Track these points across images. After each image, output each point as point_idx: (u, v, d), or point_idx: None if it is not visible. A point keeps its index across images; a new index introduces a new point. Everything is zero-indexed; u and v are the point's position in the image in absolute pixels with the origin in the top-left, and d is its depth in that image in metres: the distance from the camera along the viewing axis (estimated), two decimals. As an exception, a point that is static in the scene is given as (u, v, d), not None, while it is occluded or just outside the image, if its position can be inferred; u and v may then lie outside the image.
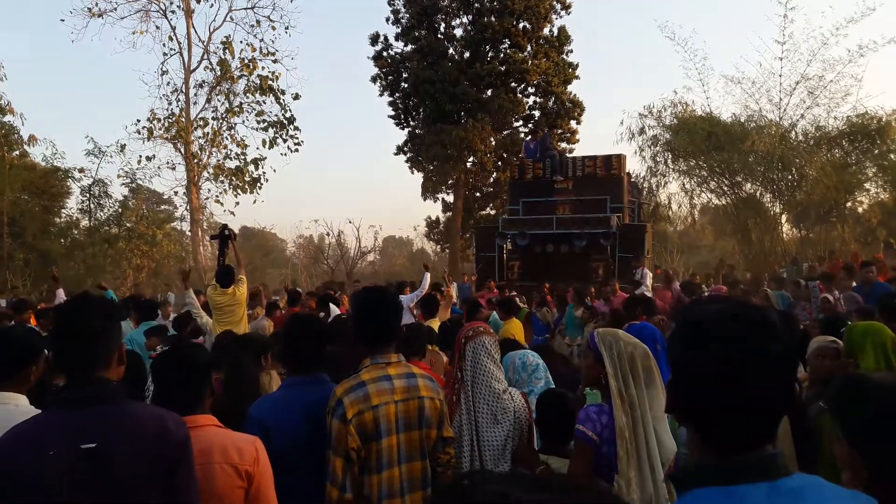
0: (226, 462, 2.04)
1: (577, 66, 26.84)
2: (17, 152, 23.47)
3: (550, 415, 2.86)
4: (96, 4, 24.89)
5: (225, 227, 7.63)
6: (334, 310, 8.80)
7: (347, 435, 2.36)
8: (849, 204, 20.51)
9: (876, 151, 18.96)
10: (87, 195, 25.41)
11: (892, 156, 19.04)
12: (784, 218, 21.04)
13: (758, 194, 20.64)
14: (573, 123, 27.18)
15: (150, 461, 1.69)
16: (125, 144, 25.15)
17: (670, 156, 21.57)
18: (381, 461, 2.43)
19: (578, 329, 8.45)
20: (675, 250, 26.99)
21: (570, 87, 26.89)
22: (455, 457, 2.70)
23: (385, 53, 27.09)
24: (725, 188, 21.12)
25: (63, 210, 25.96)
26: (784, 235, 21.26)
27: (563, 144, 26.57)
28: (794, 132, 19.74)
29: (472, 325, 3.05)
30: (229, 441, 2.11)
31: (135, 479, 1.67)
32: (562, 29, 26.48)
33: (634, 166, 22.81)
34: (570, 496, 0.66)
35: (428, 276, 9.33)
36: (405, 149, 27.37)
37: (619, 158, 14.79)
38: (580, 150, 26.93)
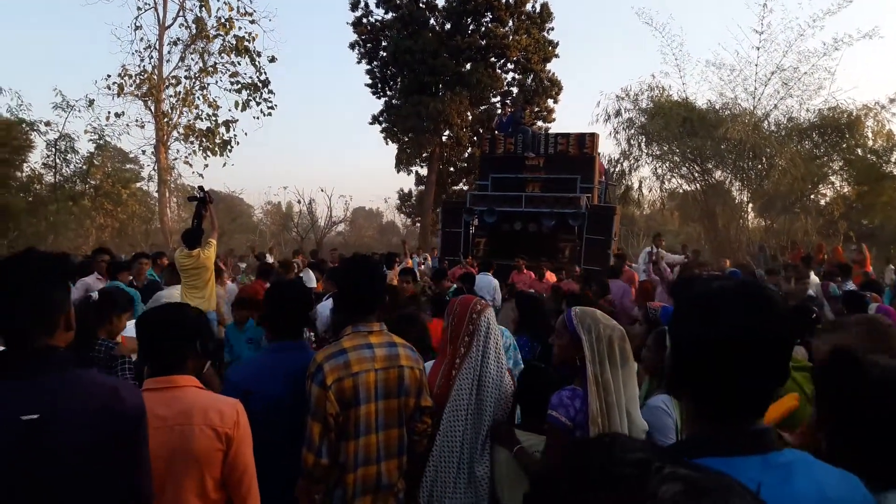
0: (206, 424, 2.01)
1: (558, 44, 26.82)
2: (-21, 102, 22.67)
3: (532, 390, 2.86)
4: (68, -50, 24.03)
5: (201, 188, 7.48)
6: (311, 279, 8.74)
7: (326, 401, 2.37)
8: (812, 196, 20.95)
9: (844, 145, 19.38)
10: (53, 150, 24.69)
11: (858, 150, 19.48)
12: (750, 206, 21.44)
13: (727, 182, 20.97)
14: (550, 102, 27.21)
15: (98, 434, 1.58)
16: (94, 100, 24.52)
17: (644, 139, 21.75)
18: (358, 428, 2.44)
19: None
20: (640, 234, 27.34)
21: (549, 66, 26.91)
22: (450, 425, 2.73)
23: (365, 20, 26.68)
24: (696, 174, 21.40)
25: (26, 164, 25.21)
26: (749, 224, 21.67)
27: (540, 123, 26.60)
28: (766, 122, 20.07)
29: (473, 299, 3.05)
30: (210, 403, 2.08)
31: (81, 454, 1.56)
32: (544, 6, 26.35)
33: (609, 149, 22.93)
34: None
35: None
36: (380, 119, 27.12)
37: (593, 137, 14.50)
38: (555, 129, 27.02)
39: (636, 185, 23.43)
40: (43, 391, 1.54)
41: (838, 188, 20.97)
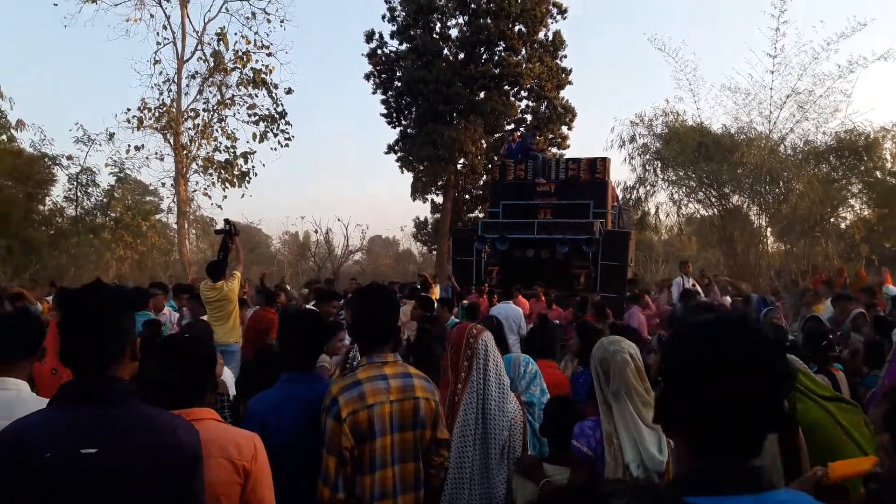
0: (224, 457, 2.01)
1: (571, 71, 27.01)
2: (5, 137, 23.17)
3: (559, 422, 2.82)
4: (90, -10, 24.65)
5: (227, 221, 7.54)
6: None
7: (341, 434, 2.35)
8: (832, 219, 20.73)
9: (862, 168, 19.21)
10: (74, 183, 25.13)
11: (877, 173, 19.29)
12: (769, 231, 21.24)
13: (744, 206, 20.82)
14: (564, 129, 27.31)
15: (155, 473, 1.58)
16: (114, 133, 24.98)
17: (660, 165, 21.69)
18: (374, 461, 2.42)
19: None
20: (659, 260, 27.15)
21: (562, 93, 27.02)
22: (459, 452, 2.70)
23: (380, 51, 27.06)
24: (713, 199, 21.28)
25: (48, 198, 25.66)
26: (769, 248, 21.46)
27: (555, 149, 26.68)
28: (782, 145, 19.95)
29: (469, 324, 3.06)
30: (228, 436, 2.08)
31: (135, 492, 1.56)
32: (557, 34, 26.58)
33: (624, 174, 22.86)
34: None
35: None
36: (396, 148, 27.34)
37: (604, 162, 14.25)
38: (570, 155, 27.08)
39: (653, 211, 23.35)
40: (104, 423, 1.56)
41: (858, 211, 20.76)
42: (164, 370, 2.15)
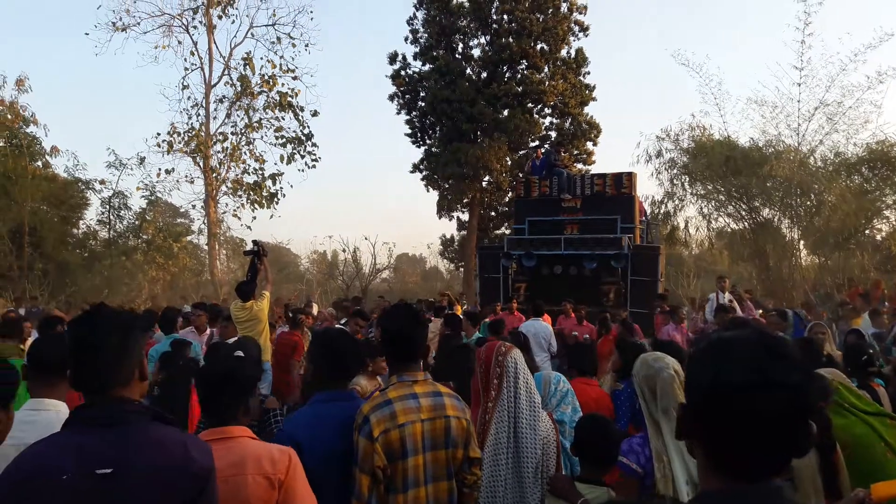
0: (259, 473, 2.03)
1: (594, 87, 26.97)
2: (40, 163, 23.80)
3: (592, 440, 2.78)
4: (120, 19, 25.45)
5: (256, 242, 7.63)
6: None
7: (374, 453, 2.35)
8: (867, 231, 20.31)
9: (896, 178, 18.82)
10: (107, 207, 25.68)
11: (912, 183, 18.87)
12: (802, 244, 20.87)
13: (775, 220, 20.50)
14: (589, 145, 27.24)
15: (168, 490, 1.60)
16: (145, 157, 25.51)
17: (687, 179, 21.49)
18: (407, 480, 2.41)
19: None
20: (690, 274, 26.80)
21: (586, 109, 27.00)
22: (491, 471, 2.68)
23: (403, 72, 27.33)
24: (743, 213, 20.99)
25: (82, 221, 26.25)
26: (802, 262, 21.07)
27: (580, 166, 26.61)
28: (812, 158, 19.65)
29: (497, 343, 3.04)
30: (264, 452, 2.10)
31: None
32: (579, 51, 26.62)
33: (651, 189, 22.69)
34: None
35: None
36: (421, 167, 27.50)
37: (630, 176, 14.08)
38: (595, 171, 26.99)
39: (682, 225, 23.10)
40: (118, 444, 1.58)
41: (894, 223, 20.30)
42: (204, 388, 2.18)
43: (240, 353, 2.39)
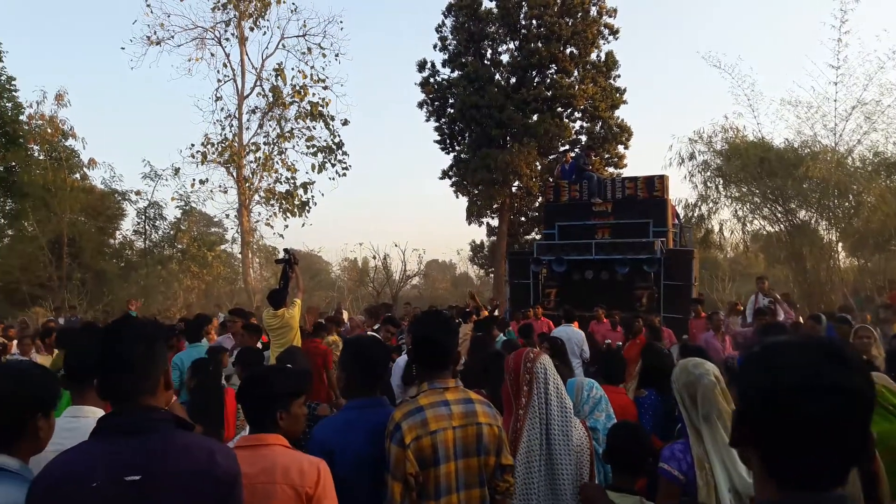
0: (287, 483, 2.06)
1: (625, 90, 26.77)
2: (78, 175, 24.42)
3: (625, 447, 2.75)
4: (154, 33, 25.99)
5: (287, 250, 7.70)
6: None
7: (405, 460, 2.35)
8: (908, 232, 19.77)
9: (939, 178, 18.29)
10: (143, 217, 26.22)
11: (955, 182, 18.33)
12: (840, 246, 20.39)
13: (812, 221, 20.06)
14: (621, 148, 27.00)
15: (194, 496, 1.63)
16: (180, 168, 26.04)
17: (721, 181, 21.16)
18: (439, 488, 2.40)
19: None
20: (725, 278, 26.37)
21: (617, 112, 26.79)
22: (525, 478, 2.66)
23: (432, 79, 27.46)
24: (778, 215, 20.59)
25: (118, 231, 26.84)
26: (840, 264, 20.57)
27: (611, 169, 26.40)
28: (850, 158, 19.20)
29: (525, 349, 3.02)
30: (293, 462, 2.12)
31: None
32: (609, 54, 26.46)
33: (684, 192, 22.42)
34: None
35: None
36: (450, 173, 27.56)
37: (662, 180, 13.86)
38: (627, 174, 26.74)
39: (716, 228, 22.73)
40: (146, 451, 1.61)
41: (936, 223, 19.72)
42: (242, 398, 2.23)
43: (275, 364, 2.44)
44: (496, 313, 13.08)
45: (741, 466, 2.36)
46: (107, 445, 1.63)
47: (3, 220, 24.69)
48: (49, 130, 23.45)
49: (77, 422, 2.33)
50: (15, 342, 9.01)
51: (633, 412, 4.20)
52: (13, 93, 23.75)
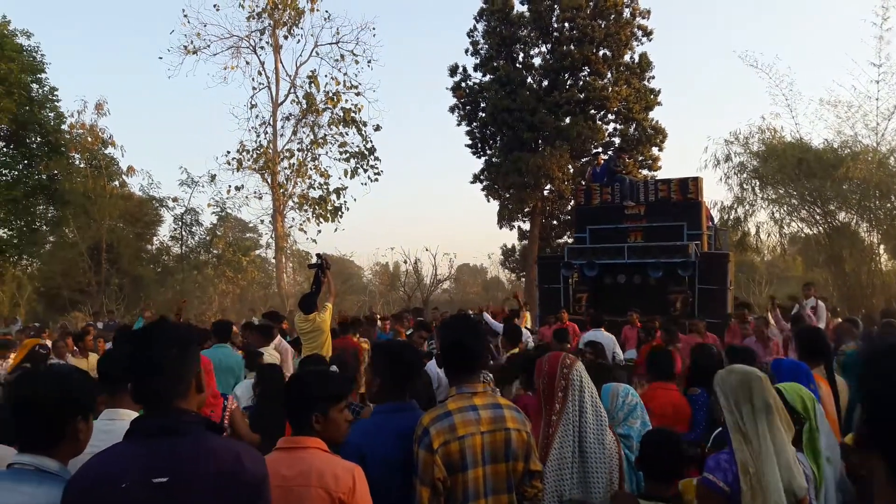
0: (321, 487, 2.08)
1: (659, 92, 26.50)
2: (117, 182, 25.00)
3: (659, 455, 2.70)
4: (191, 42, 26.52)
5: (319, 255, 7.80)
6: None
7: (434, 465, 2.35)
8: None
9: None
10: (180, 223, 26.73)
11: None
12: (882, 248, 19.84)
13: (853, 223, 19.56)
14: (655, 150, 26.70)
15: (222, 498, 1.64)
16: (216, 175, 26.52)
17: (758, 183, 20.75)
18: (467, 493, 2.40)
19: None
20: (762, 281, 25.87)
21: (651, 114, 26.50)
22: (555, 486, 2.64)
23: (463, 84, 27.50)
24: (817, 217, 20.12)
25: (155, 237, 27.41)
26: (882, 267, 20.02)
27: (645, 171, 26.11)
28: (892, 158, 18.69)
29: (561, 354, 2.99)
30: (328, 467, 2.15)
31: None
32: (643, 55, 26.22)
33: (720, 195, 22.02)
34: None
35: None
36: (481, 177, 27.53)
37: (696, 182, 13.54)
38: (661, 176, 26.40)
39: (753, 231, 22.28)
40: (174, 454, 1.63)
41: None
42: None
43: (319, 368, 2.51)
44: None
45: (797, 468, 2.30)
46: (137, 448, 1.66)
47: (45, 228, 25.42)
48: (89, 139, 24.09)
49: (113, 424, 2.40)
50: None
51: (686, 409, 4.22)
52: (55, 103, 24.51)
